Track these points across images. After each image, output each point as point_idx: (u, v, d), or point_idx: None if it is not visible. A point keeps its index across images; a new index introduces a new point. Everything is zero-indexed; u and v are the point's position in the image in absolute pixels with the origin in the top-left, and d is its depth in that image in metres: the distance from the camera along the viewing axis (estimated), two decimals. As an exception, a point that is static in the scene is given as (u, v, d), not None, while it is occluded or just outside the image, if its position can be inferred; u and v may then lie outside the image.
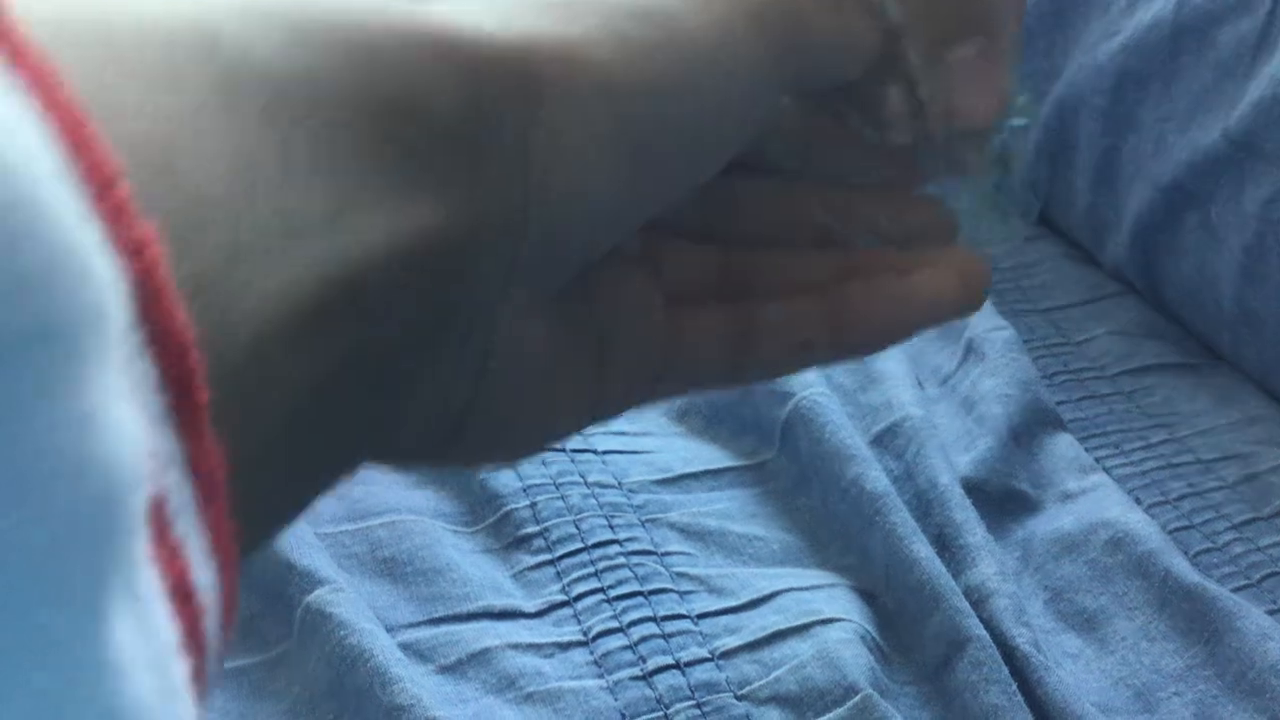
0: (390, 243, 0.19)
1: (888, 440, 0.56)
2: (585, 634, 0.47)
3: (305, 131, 0.19)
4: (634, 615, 0.48)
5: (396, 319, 0.20)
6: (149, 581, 0.14)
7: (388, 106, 0.20)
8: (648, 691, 0.45)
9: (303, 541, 0.47)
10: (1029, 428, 0.58)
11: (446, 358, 0.22)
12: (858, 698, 0.44)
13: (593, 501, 0.52)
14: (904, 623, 0.49)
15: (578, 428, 0.28)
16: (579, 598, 0.49)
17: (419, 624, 0.47)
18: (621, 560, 0.50)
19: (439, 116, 0.21)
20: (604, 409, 0.28)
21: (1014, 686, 0.45)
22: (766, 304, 0.29)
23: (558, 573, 0.49)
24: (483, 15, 0.22)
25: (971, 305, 0.29)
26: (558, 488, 0.52)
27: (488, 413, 0.24)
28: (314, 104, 0.19)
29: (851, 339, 0.29)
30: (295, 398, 0.18)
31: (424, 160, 0.20)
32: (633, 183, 0.24)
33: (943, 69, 0.28)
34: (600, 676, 0.46)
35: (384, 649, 0.44)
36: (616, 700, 0.45)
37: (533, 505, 0.51)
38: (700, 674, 0.46)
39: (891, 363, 0.59)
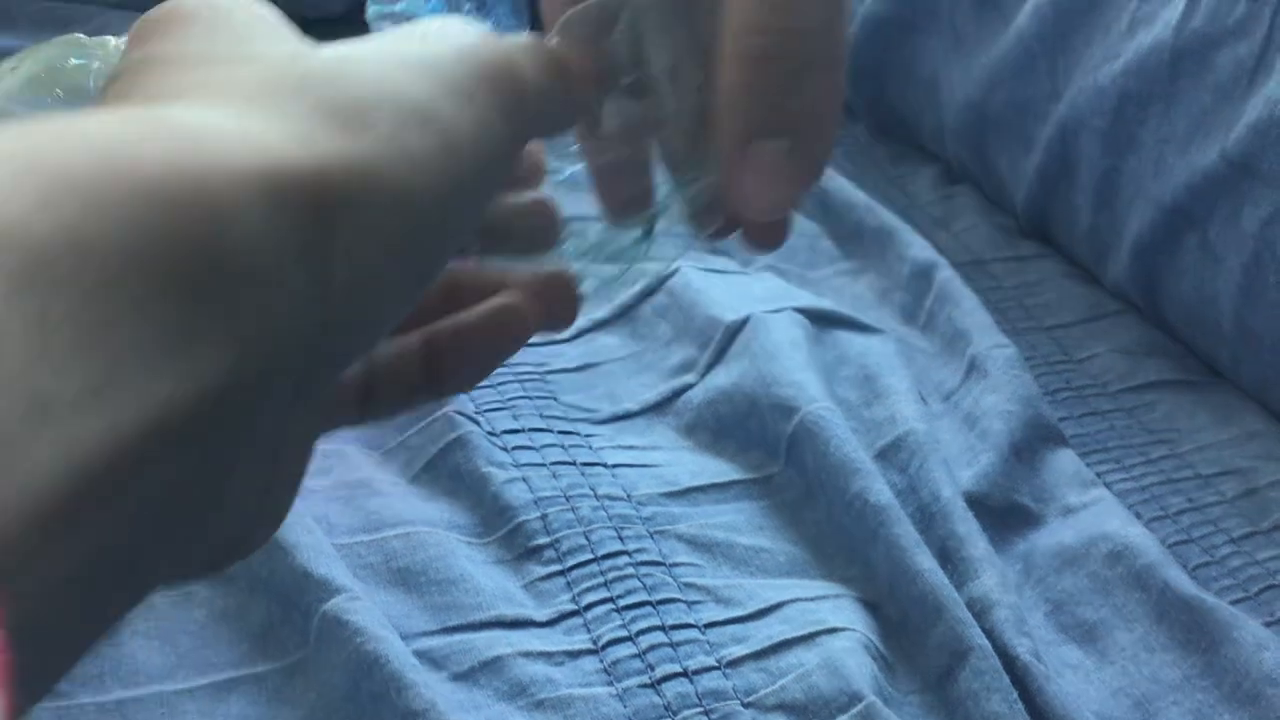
0: (162, 414, 0.18)
1: (892, 454, 0.57)
2: (595, 643, 0.48)
3: (69, 297, 0.17)
4: (643, 624, 0.49)
5: (172, 482, 0.19)
6: None
7: (168, 254, 0.18)
8: (656, 699, 0.46)
9: (320, 552, 0.48)
10: (1031, 443, 0.59)
11: (234, 491, 0.21)
12: (862, 705, 0.45)
13: (602, 514, 0.53)
14: (907, 633, 0.50)
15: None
16: (589, 607, 0.49)
17: (433, 632, 0.48)
18: (630, 571, 0.51)
19: (228, 255, 0.19)
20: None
21: (1015, 696, 0.46)
22: (384, 345, 0.30)
23: (568, 583, 0.50)
24: (262, 132, 0.21)
25: (560, 323, 0.32)
26: (568, 500, 0.53)
27: (272, 515, 0.26)
28: (79, 265, 0.17)
29: (442, 382, 0.31)
30: (67, 567, 0.17)
31: (211, 306, 0.19)
32: (416, 285, 0.24)
33: (736, 159, 0.28)
34: (610, 684, 0.47)
35: (399, 656, 0.45)
36: (625, 707, 0.46)
37: (544, 517, 0.52)
38: (708, 682, 0.47)
39: (896, 378, 0.60)
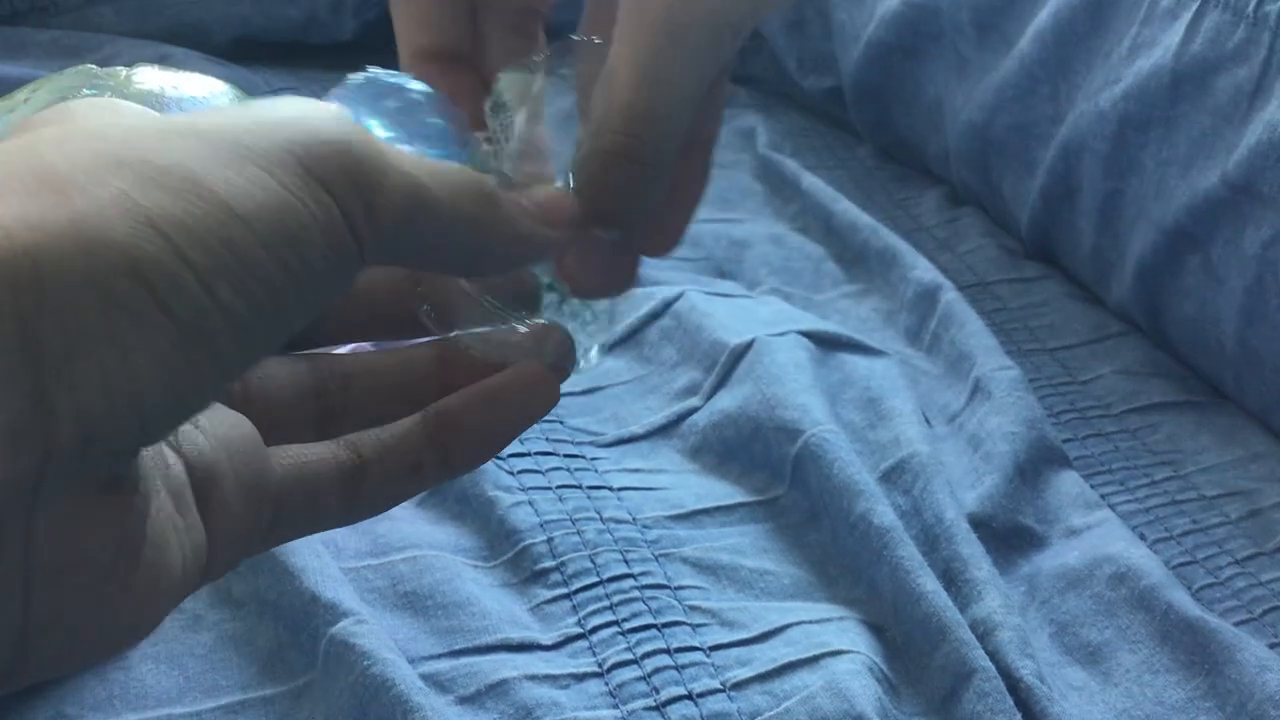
0: None
1: (896, 476, 0.57)
2: (600, 665, 0.49)
3: None
4: (648, 647, 0.49)
5: None
6: None
7: None
8: (661, 721, 0.46)
9: (327, 575, 0.49)
10: (1035, 465, 0.59)
11: None
12: (866, 728, 0.46)
13: (608, 537, 0.53)
14: (911, 655, 0.50)
15: (188, 591, 0.26)
16: (594, 630, 0.50)
17: (439, 656, 0.48)
18: (636, 594, 0.51)
19: None
20: (214, 570, 0.27)
21: (1019, 717, 0.46)
22: (373, 431, 0.29)
23: (574, 606, 0.51)
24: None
25: (557, 382, 0.31)
26: (574, 523, 0.54)
27: (54, 625, 0.23)
28: None
29: (457, 457, 0.30)
30: None
31: None
32: (191, 369, 0.22)
33: (570, 240, 0.29)
34: (615, 707, 0.47)
35: (406, 679, 0.45)
36: (631, 730, 0.46)
37: (549, 541, 0.53)
38: (712, 705, 0.47)
39: (900, 401, 0.61)
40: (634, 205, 0.30)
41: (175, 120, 0.23)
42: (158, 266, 0.21)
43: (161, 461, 0.26)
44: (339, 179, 0.24)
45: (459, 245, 0.27)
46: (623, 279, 0.30)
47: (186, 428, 0.27)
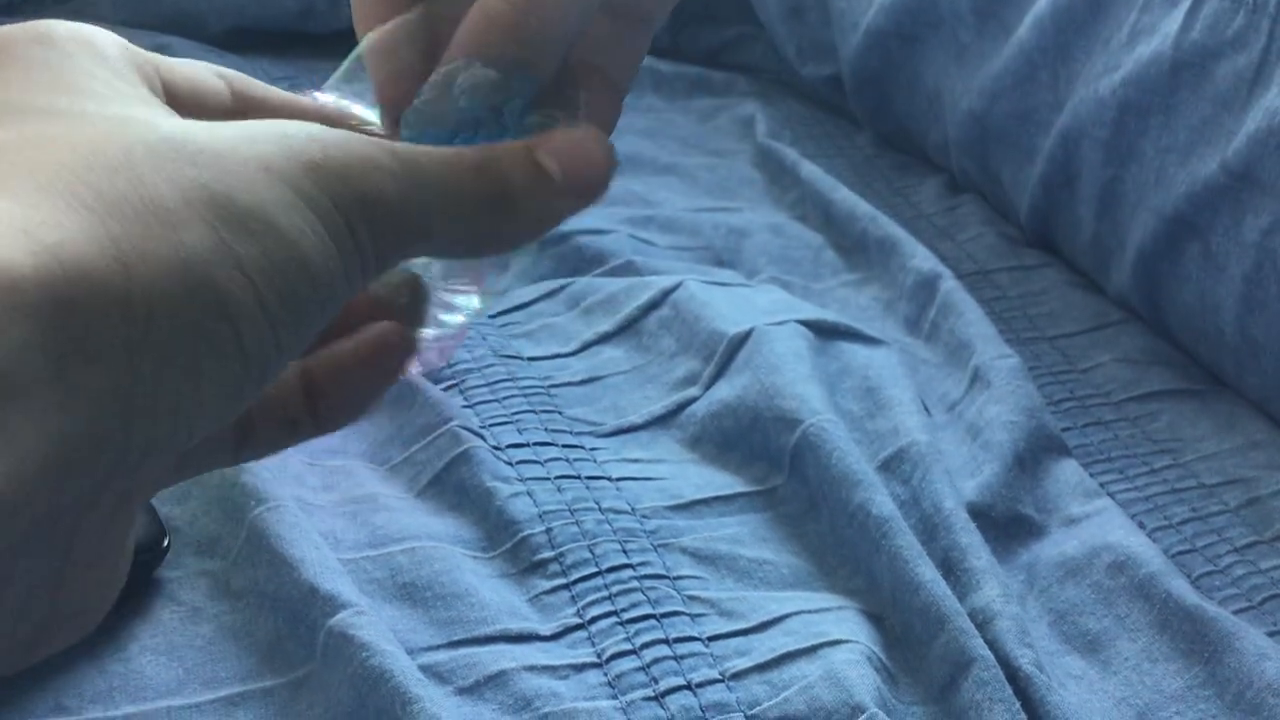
0: None
1: (894, 465, 0.57)
2: (599, 656, 0.49)
3: None
4: (647, 638, 0.49)
5: None
6: None
7: None
8: (660, 712, 0.47)
9: (326, 567, 0.49)
10: (1034, 453, 0.59)
11: (14, 591, 0.22)
12: (864, 717, 0.46)
13: (606, 527, 0.53)
14: (910, 644, 0.50)
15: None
16: (593, 621, 0.50)
17: (438, 647, 0.48)
18: (635, 584, 0.51)
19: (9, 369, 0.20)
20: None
21: (1018, 706, 0.46)
22: None
23: (572, 597, 0.51)
24: (22, 226, 0.20)
25: (411, 338, 0.31)
26: (573, 514, 0.54)
27: (77, 614, 0.24)
28: None
29: (325, 418, 0.30)
30: None
31: None
32: (245, 399, 0.23)
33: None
34: (614, 698, 0.47)
35: (405, 671, 0.45)
36: (630, 720, 0.46)
37: (548, 531, 0.53)
38: (711, 695, 0.47)
39: (898, 390, 0.61)
40: (547, 46, 0.29)
41: (246, 146, 0.24)
42: (242, 309, 0.23)
43: None
44: (363, 224, 0.25)
45: (476, 234, 0.27)
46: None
47: None
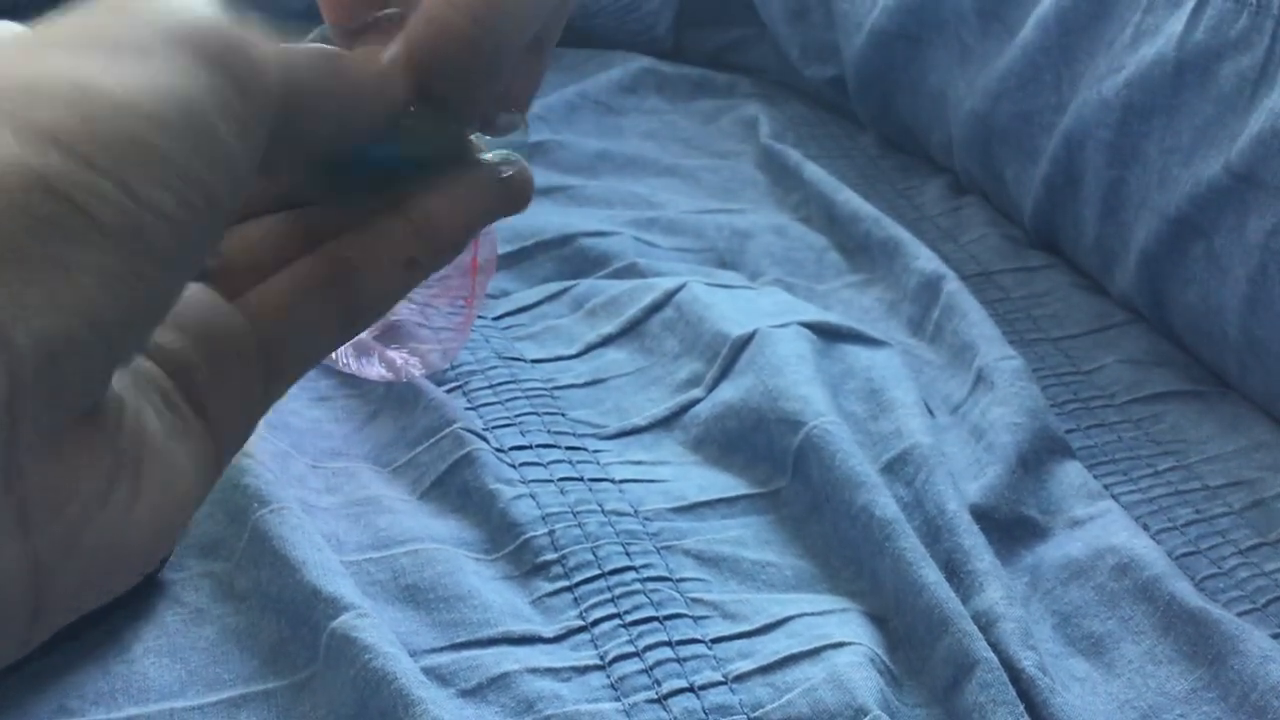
0: None
1: (898, 468, 0.57)
2: (602, 658, 0.49)
3: None
4: (649, 640, 0.49)
5: None
6: None
7: None
8: (663, 714, 0.46)
9: (329, 569, 0.49)
10: (1038, 455, 0.59)
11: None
12: (867, 719, 0.46)
13: (609, 529, 0.53)
14: (913, 646, 0.50)
15: (208, 487, 0.26)
16: (596, 623, 0.50)
17: (441, 649, 0.48)
18: (637, 586, 0.51)
19: None
20: (229, 452, 0.27)
21: (1021, 709, 0.46)
22: (350, 236, 0.28)
23: (575, 599, 0.51)
24: None
25: (524, 194, 0.30)
26: (575, 516, 0.54)
27: (66, 559, 0.22)
28: None
29: (445, 241, 0.29)
30: None
31: None
32: (142, 279, 0.22)
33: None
34: (617, 700, 0.47)
35: (407, 673, 0.45)
36: (633, 723, 0.46)
37: (551, 533, 0.53)
38: (714, 697, 0.47)
39: (902, 391, 0.61)
40: (463, 92, 0.29)
41: (38, 35, 0.23)
42: (69, 178, 0.21)
43: (137, 373, 0.25)
44: (223, 57, 0.24)
45: (329, 108, 0.27)
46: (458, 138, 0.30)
47: None
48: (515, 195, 0.31)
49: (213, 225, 0.23)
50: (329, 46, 0.27)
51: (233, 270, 0.28)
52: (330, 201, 0.30)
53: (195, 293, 0.27)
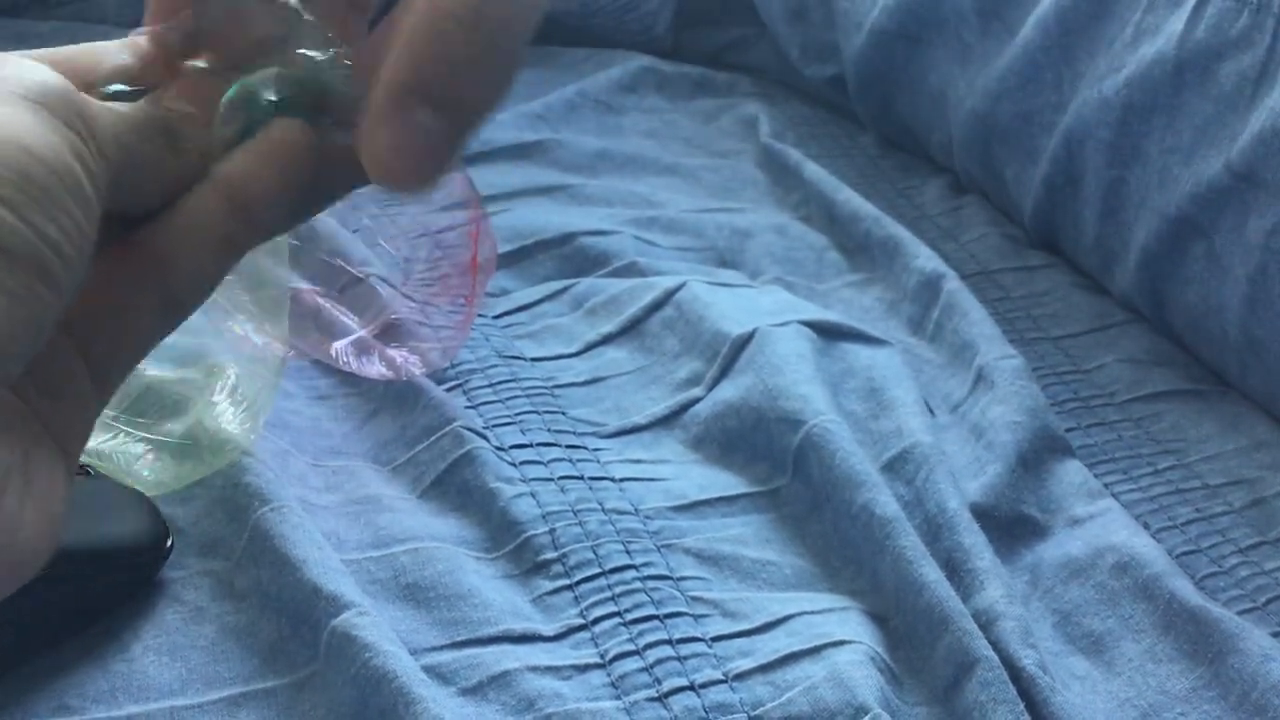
0: None
1: (898, 466, 0.57)
2: (602, 657, 0.49)
3: None
4: (650, 638, 0.49)
5: None
6: None
7: None
8: (663, 713, 0.46)
9: (329, 567, 0.49)
10: (1038, 454, 0.59)
11: None
12: (868, 718, 0.46)
13: (610, 528, 0.53)
14: (914, 645, 0.50)
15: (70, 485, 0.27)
16: (596, 621, 0.50)
17: (441, 647, 0.48)
18: (638, 585, 0.51)
19: None
20: (76, 442, 0.27)
21: (1021, 707, 0.46)
22: (161, 220, 0.28)
23: (576, 597, 0.51)
24: None
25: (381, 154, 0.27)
26: (576, 515, 0.54)
27: None
28: None
29: (261, 211, 0.28)
30: None
31: None
32: (40, 303, 0.24)
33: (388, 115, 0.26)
34: (617, 698, 0.47)
35: (408, 671, 0.45)
36: (633, 721, 0.46)
37: (551, 532, 0.53)
38: (715, 695, 0.47)
39: (902, 390, 0.61)
40: (482, 94, 0.26)
41: None
42: None
43: None
44: (71, 118, 0.25)
45: (156, 165, 0.27)
46: (437, 168, 0.26)
47: None
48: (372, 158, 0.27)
49: (83, 256, 0.25)
50: (149, 111, 0.28)
51: None
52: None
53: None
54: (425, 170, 0.26)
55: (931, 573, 0.50)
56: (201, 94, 0.28)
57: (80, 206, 0.25)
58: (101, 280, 0.27)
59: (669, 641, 0.49)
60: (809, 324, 0.63)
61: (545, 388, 0.62)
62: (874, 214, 0.75)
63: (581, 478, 0.56)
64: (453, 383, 0.61)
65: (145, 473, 0.52)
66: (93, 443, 0.30)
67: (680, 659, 0.48)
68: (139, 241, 0.28)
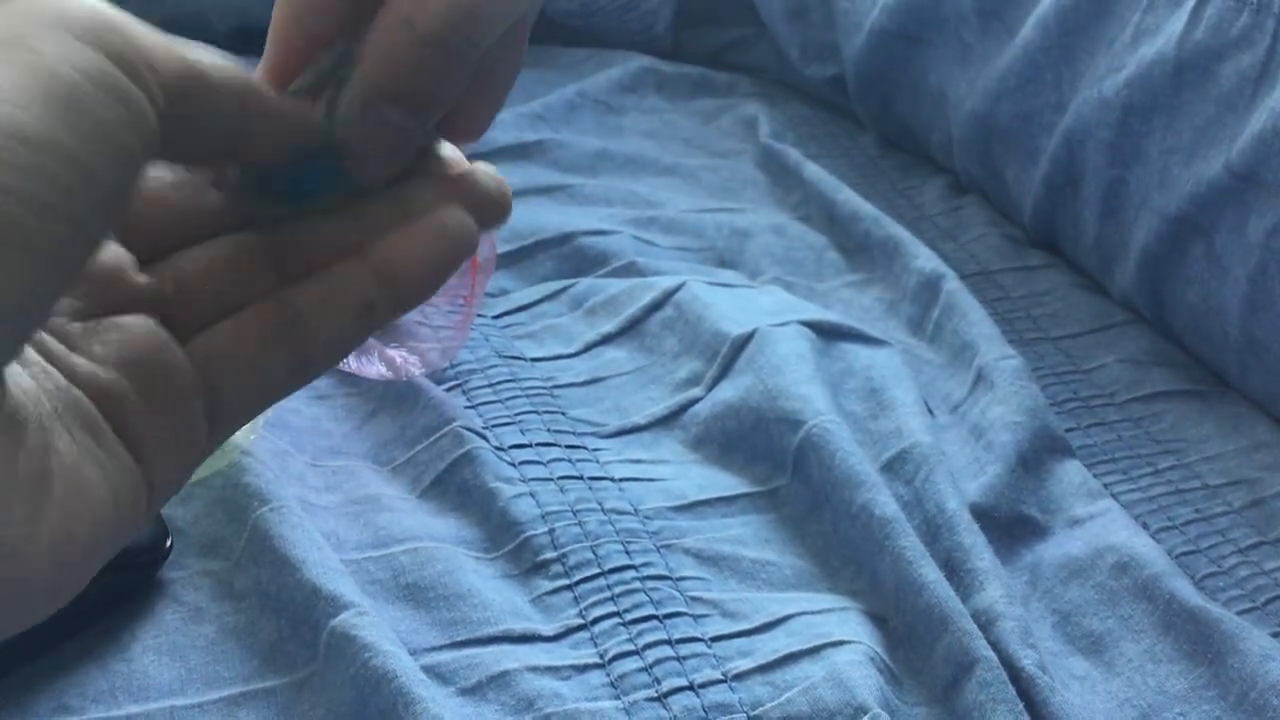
0: None
1: (897, 466, 0.57)
2: (602, 657, 0.49)
3: None
4: (649, 638, 0.49)
5: None
6: None
7: None
8: (662, 713, 0.46)
9: (329, 567, 0.49)
10: (1038, 454, 0.59)
11: None
12: (867, 718, 0.46)
13: (609, 528, 0.53)
14: (913, 645, 0.50)
15: (134, 523, 0.25)
16: (596, 621, 0.50)
17: (441, 647, 0.48)
18: (637, 585, 0.51)
19: None
20: (165, 490, 0.26)
21: (1021, 707, 0.46)
22: (306, 283, 0.28)
23: (575, 597, 0.51)
24: None
25: (501, 211, 0.30)
26: (575, 514, 0.54)
27: None
28: None
29: (408, 288, 0.28)
30: None
31: None
32: (6, 270, 0.21)
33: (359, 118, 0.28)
34: (616, 698, 0.47)
35: (407, 671, 0.45)
36: (632, 721, 0.46)
37: (551, 532, 0.53)
38: (714, 695, 0.47)
39: (902, 390, 0.61)
40: (440, 95, 0.28)
41: None
42: None
43: (58, 396, 0.25)
44: (112, 41, 0.23)
45: (232, 119, 0.26)
46: (400, 162, 0.28)
47: (71, 353, 0.25)
48: (488, 216, 0.29)
49: (94, 212, 0.22)
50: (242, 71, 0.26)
51: (190, 300, 0.27)
52: (280, 220, 0.29)
53: (136, 324, 0.26)
54: (398, 162, 0.28)
55: (931, 573, 0.50)
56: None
57: (91, 145, 0.22)
58: (240, 333, 0.27)
59: (668, 641, 0.49)
60: (808, 324, 0.63)
61: (545, 388, 0.62)
62: (874, 214, 0.75)
63: (581, 478, 0.56)
64: (452, 383, 0.61)
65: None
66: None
67: (679, 659, 0.48)
68: (280, 300, 0.28)
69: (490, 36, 0.28)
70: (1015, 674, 0.48)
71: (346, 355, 0.29)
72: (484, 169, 0.30)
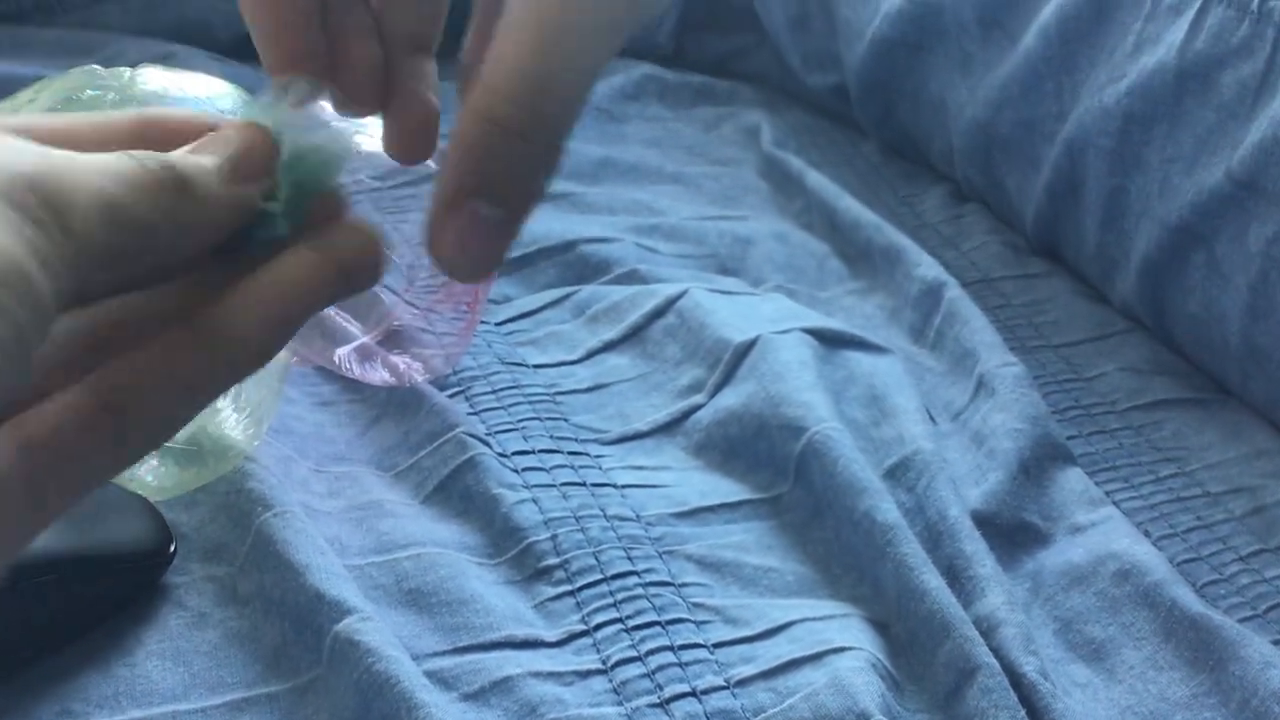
0: None
1: (899, 474, 0.57)
2: (604, 663, 0.49)
3: None
4: (652, 644, 0.49)
5: None
6: None
7: None
8: (665, 719, 0.47)
9: (332, 573, 0.49)
10: (1039, 462, 0.59)
11: None
12: (869, 724, 0.46)
13: (612, 534, 0.53)
14: (915, 651, 0.50)
15: None
16: (598, 627, 0.50)
17: (443, 653, 0.48)
18: (640, 591, 0.51)
19: None
20: None
21: (1023, 714, 0.46)
22: (122, 364, 0.26)
23: (578, 603, 0.51)
24: None
25: (371, 270, 0.29)
26: (578, 521, 0.54)
27: None
28: None
29: (235, 352, 0.27)
30: None
31: None
32: None
33: (447, 214, 0.28)
34: (619, 704, 0.47)
35: (410, 676, 0.45)
36: (635, 727, 0.46)
37: (553, 538, 0.53)
38: (716, 701, 0.47)
39: (904, 398, 0.61)
40: (524, 185, 0.28)
41: None
42: None
43: None
44: (33, 208, 0.24)
45: (162, 236, 0.26)
46: (497, 260, 0.28)
47: None
48: (351, 275, 0.28)
49: (19, 360, 0.23)
50: (159, 170, 0.26)
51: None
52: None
53: None
54: (488, 261, 0.28)
55: (933, 580, 0.50)
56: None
57: (27, 309, 0.23)
58: (61, 416, 0.26)
59: (670, 648, 0.49)
60: (810, 331, 0.63)
61: (547, 394, 0.62)
62: (875, 222, 0.76)
63: (583, 484, 0.56)
64: (455, 389, 0.61)
65: (149, 478, 0.52)
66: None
67: (682, 665, 0.48)
68: (100, 378, 0.26)
69: (569, 110, 0.28)
70: (1017, 681, 0.48)
71: (178, 429, 0.27)
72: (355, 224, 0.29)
